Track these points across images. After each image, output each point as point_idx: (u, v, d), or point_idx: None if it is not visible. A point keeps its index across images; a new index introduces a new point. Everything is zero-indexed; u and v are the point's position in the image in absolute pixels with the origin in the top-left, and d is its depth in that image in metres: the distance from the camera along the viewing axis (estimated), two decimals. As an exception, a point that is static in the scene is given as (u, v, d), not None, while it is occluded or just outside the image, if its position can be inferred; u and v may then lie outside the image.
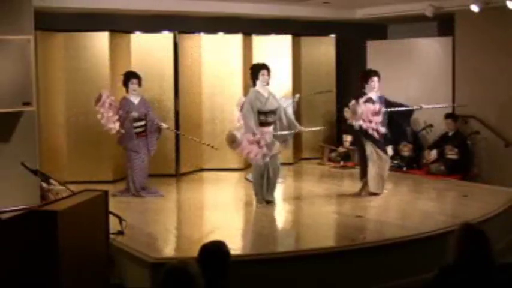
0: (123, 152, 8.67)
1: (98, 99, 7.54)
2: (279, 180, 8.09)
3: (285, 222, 6.93)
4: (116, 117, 7.51)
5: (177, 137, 8.98)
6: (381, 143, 7.41)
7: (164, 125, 7.96)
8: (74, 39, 8.64)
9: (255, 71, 7.21)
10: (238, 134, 6.85)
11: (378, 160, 7.38)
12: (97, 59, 8.64)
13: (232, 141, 6.86)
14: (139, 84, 7.79)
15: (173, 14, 9.39)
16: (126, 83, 7.76)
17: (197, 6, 9.22)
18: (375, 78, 7.47)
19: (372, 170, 7.38)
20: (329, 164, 10.03)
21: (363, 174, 7.55)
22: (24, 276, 3.82)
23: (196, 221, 6.89)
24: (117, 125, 7.50)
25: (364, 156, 7.46)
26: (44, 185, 6.44)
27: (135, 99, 7.75)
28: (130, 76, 7.78)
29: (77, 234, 4.09)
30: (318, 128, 8.47)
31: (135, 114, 7.58)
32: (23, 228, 3.88)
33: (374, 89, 7.48)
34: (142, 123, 7.69)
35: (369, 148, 7.38)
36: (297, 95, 9.23)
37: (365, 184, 7.53)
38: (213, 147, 8.16)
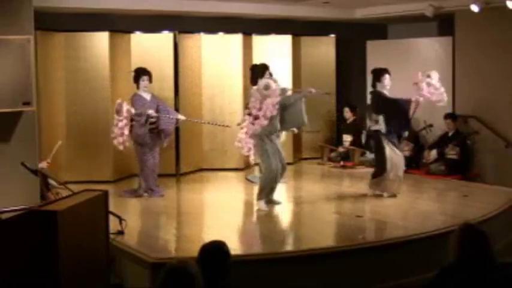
0: (126, 152, 8.68)
1: (119, 110, 7.45)
2: (282, 180, 8.11)
3: (285, 222, 6.92)
4: (127, 130, 7.47)
5: (177, 137, 8.97)
6: (395, 142, 7.43)
7: (182, 117, 8.01)
8: (74, 39, 8.64)
9: (261, 71, 7.17)
10: (273, 84, 6.82)
11: (396, 161, 7.37)
12: (97, 59, 8.64)
13: (266, 88, 6.80)
14: (150, 80, 7.80)
15: (173, 14, 9.39)
16: (137, 80, 7.75)
17: (197, 6, 9.22)
18: (387, 76, 7.54)
19: (391, 172, 7.33)
20: (329, 164, 10.03)
21: (379, 174, 7.44)
22: (24, 276, 3.82)
23: (196, 221, 6.88)
24: (124, 141, 7.43)
25: (383, 157, 7.35)
26: (51, 181, 6.46)
27: (147, 96, 7.74)
28: (141, 73, 7.77)
29: (77, 234, 4.09)
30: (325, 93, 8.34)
31: (152, 113, 7.57)
32: (23, 228, 3.88)
33: (387, 87, 7.52)
34: (153, 120, 7.68)
35: (388, 150, 7.32)
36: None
37: (375, 185, 7.47)
38: (226, 126, 8.45)
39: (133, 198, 7.60)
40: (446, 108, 9.73)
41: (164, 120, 7.68)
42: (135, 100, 7.63)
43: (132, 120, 7.54)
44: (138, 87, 7.74)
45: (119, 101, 7.53)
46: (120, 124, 7.37)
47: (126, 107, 7.43)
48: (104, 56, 8.64)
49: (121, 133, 7.38)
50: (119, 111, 7.41)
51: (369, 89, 10.82)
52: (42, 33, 8.18)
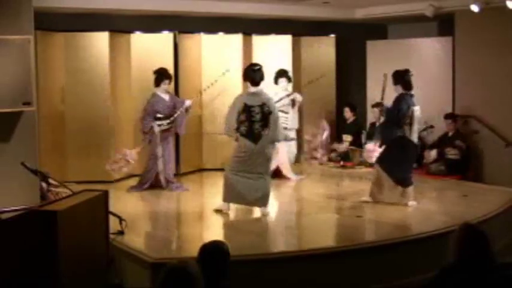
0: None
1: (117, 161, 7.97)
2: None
3: (285, 222, 6.92)
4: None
5: (177, 137, 8.97)
6: None
7: (188, 102, 8.22)
8: (74, 39, 8.64)
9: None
10: None
11: None
12: (97, 59, 8.63)
13: None
14: (170, 83, 8.12)
15: (173, 14, 9.39)
16: (159, 81, 7.96)
17: (197, 6, 9.22)
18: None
19: None
20: (329, 164, 10.03)
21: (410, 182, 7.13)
22: (24, 276, 3.82)
23: (196, 221, 6.88)
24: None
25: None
26: (44, 184, 6.43)
27: (165, 96, 8.01)
28: (164, 76, 8.00)
29: (77, 234, 4.09)
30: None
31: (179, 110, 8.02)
32: (23, 228, 3.88)
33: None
34: (169, 120, 7.97)
35: None
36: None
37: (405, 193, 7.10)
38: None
39: (133, 199, 7.59)
40: (446, 108, 9.77)
41: (179, 121, 8.07)
42: (156, 101, 7.94)
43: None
44: (156, 86, 7.99)
45: None
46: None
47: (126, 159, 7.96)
48: (103, 56, 8.64)
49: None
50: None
51: (371, 89, 10.92)
52: (42, 33, 8.18)
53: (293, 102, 8.88)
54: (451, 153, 9.12)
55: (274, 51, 9.75)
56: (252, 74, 6.87)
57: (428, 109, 10.05)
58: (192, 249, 4.59)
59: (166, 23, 9.32)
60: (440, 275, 3.44)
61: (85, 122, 8.63)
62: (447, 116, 9.41)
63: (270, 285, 5.03)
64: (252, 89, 6.83)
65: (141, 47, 9.04)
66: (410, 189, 7.04)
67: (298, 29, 10.42)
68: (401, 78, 7.02)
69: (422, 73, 10.26)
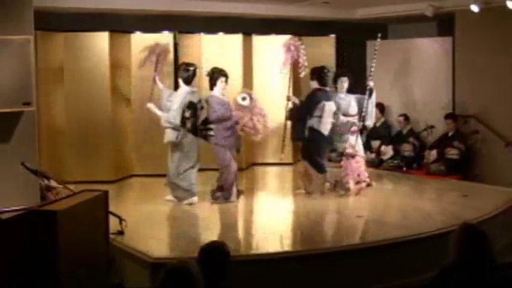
0: (123, 151, 8.67)
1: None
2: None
3: (285, 222, 6.92)
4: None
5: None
6: None
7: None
8: (74, 39, 8.63)
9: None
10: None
11: None
12: (97, 59, 8.63)
13: None
14: (227, 82, 7.35)
15: (173, 14, 9.39)
16: (215, 81, 7.25)
17: (197, 6, 9.22)
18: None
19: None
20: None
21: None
22: (25, 276, 3.82)
23: (196, 221, 6.88)
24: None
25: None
26: (45, 181, 6.42)
27: (224, 98, 7.31)
28: (221, 74, 7.28)
29: (77, 234, 4.09)
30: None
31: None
32: (23, 228, 3.88)
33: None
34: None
35: None
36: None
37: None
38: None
39: (133, 199, 7.59)
40: (446, 108, 9.77)
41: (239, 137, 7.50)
42: (218, 102, 7.19)
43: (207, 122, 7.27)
44: (212, 89, 7.28)
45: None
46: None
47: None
48: (104, 56, 8.64)
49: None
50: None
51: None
52: (42, 33, 8.17)
53: (370, 92, 7.87)
54: (451, 153, 9.12)
55: (274, 51, 9.73)
56: (185, 73, 7.26)
57: (428, 109, 10.06)
58: (192, 249, 4.59)
59: (166, 23, 9.32)
60: (440, 275, 3.44)
61: (85, 122, 8.63)
62: (447, 116, 9.41)
63: (270, 285, 5.03)
64: (190, 87, 7.19)
65: (141, 47, 9.00)
66: (326, 175, 7.66)
67: (298, 29, 10.40)
68: (318, 74, 7.64)
69: (422, 73, 10.30)
